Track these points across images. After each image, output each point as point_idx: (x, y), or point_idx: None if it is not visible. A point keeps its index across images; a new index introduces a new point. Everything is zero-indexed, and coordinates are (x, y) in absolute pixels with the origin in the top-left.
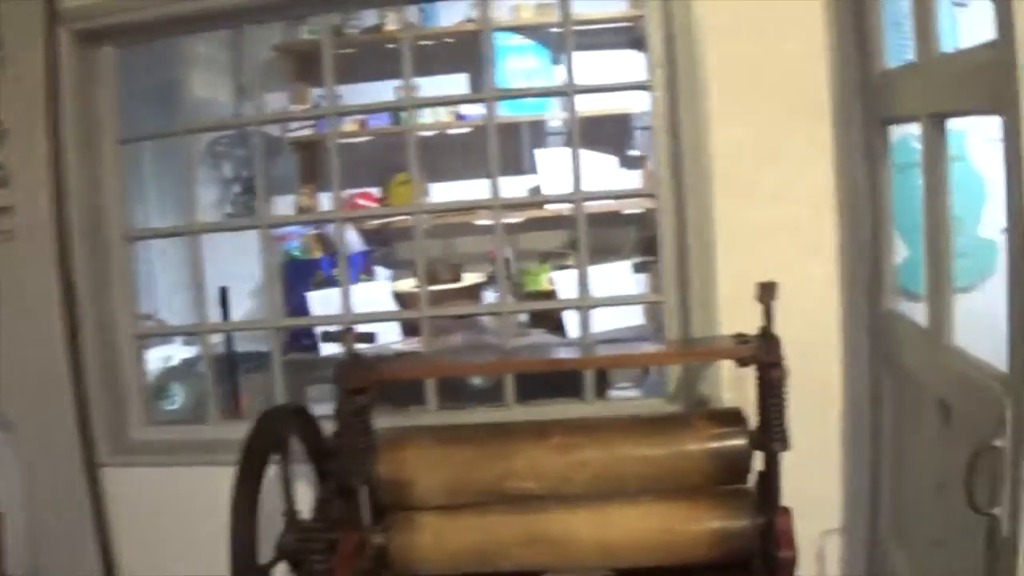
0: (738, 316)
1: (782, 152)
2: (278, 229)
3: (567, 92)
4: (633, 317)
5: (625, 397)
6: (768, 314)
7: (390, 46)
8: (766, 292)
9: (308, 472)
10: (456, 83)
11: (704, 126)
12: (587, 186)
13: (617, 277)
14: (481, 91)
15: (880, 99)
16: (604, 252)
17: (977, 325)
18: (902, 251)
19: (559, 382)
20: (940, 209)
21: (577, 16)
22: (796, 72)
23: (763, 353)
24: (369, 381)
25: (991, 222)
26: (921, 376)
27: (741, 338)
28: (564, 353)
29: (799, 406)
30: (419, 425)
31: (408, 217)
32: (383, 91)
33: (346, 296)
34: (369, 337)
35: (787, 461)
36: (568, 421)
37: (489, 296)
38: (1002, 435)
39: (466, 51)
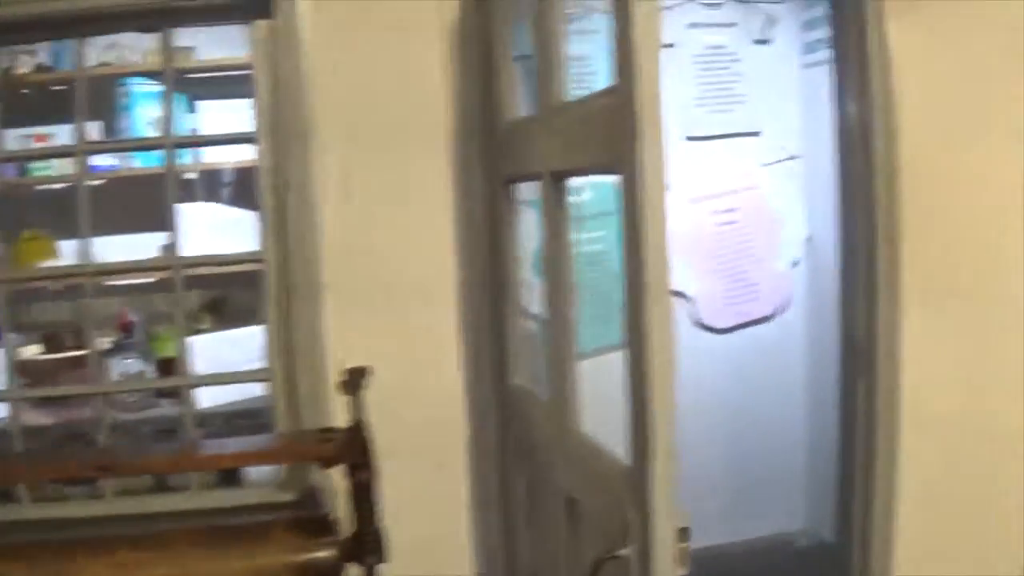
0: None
1: (400, 213)
2: None
3: (165, 145)
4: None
5: (250, 482)
6: (357, 405)
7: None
8: (352, 381)
9: None
10: (90, 131)
11: (312, 183)
12: (226, 242)
13: (250, 342)
14: (94, 141)
15: (504, 154)
16: (248, 314)
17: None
18: None
19: None
20: (561, 274)
21: (196, 63)
22: (416, 126)
23: (348, 452)
24: None
25: None
26: (549, 464)
27: (326, 434)
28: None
29: (425, 497)
30: None
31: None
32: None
33: None
34: None
35: (415, 563)
36: (138, 533)
37: (120, 362)
38: (628, 543)
39: (100, 97)
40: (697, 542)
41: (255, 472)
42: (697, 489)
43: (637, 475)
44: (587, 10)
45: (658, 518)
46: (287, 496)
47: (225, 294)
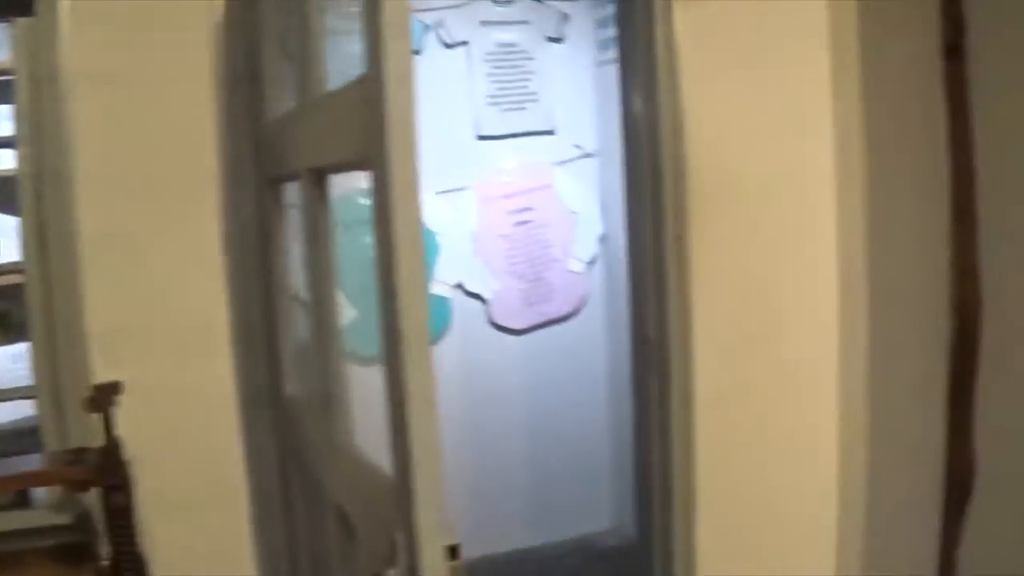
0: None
1: (165, 216)
2: None
3: None
4: None
5: (36, 503)
6: (108, 424)
7: None
8: (101, 397)
9: None
10: None
11: (73, 189)
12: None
13: None
14: None
15: (270, 153)
16: None
17: None
18: (350, 313)
19: None
20: (324, 279)
21: None
22: (182, 125)
23: (100, 474)
24: None
25: (443, 277)
26: (320, 477)
27: (78, 455)
28: None
29: (202, 510)
30: None
31: None
32: None
33: None
34: None
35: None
36: None
37: None
38: (395, 564)
39: None
40: (500, 546)
41: (39, 494)
42: (499, 493)
43: (400, 491)
44: None
45: (424, 537)
46: (63, 519)
47: (11, 306)
